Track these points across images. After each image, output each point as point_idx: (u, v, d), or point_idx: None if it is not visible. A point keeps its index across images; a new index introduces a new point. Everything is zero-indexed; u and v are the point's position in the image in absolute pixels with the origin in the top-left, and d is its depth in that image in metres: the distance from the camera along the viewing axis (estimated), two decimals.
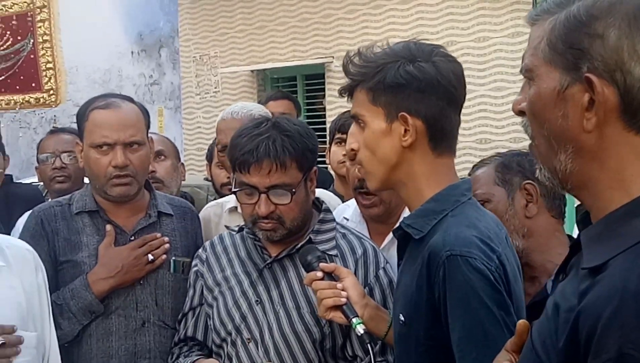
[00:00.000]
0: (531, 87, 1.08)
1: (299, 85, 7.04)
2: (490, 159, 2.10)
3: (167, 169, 2.93)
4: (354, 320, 1.68)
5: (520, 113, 1.14)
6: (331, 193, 2.84)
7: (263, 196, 1.89)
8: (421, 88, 1.52)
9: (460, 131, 1.66)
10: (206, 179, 3.67)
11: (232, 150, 1.95)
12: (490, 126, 5.44)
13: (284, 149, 1.88)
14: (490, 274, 1.44)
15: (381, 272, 1.95)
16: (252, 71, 7.23)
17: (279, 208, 1.90)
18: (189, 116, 7.84)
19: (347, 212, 2.44)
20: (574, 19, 1.02)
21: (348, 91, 1.62)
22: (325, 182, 3.27)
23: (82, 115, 2.21)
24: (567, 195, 1.87)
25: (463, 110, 1.62)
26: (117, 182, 2.17)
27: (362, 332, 1.66)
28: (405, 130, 1.53)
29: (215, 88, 7.56)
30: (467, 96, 1.66)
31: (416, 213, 1.57)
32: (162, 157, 2.93)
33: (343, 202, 2.68)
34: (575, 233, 2.02)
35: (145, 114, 2.29)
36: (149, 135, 2.32)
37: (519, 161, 2.04)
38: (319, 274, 1.75)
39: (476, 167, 2.11)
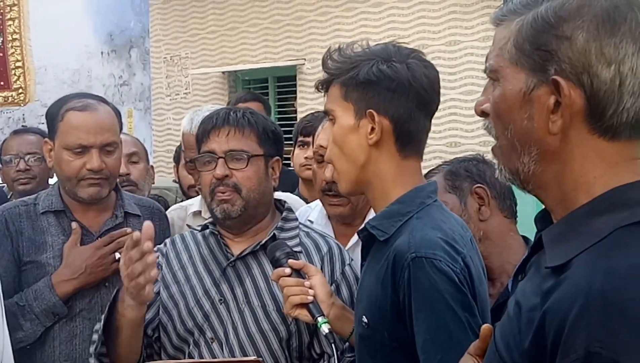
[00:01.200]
0: (495, 88, 1.08)
1: (271, 87, 7.02)
2: (437, 168, 2.13)
3: (141, 172, 2.91)
4: (319, 319, 1.68)
5: (482, 114, 1.14)
6: (296, 197, 2.85)
7: (220, 160, 1.93)
8: (392, 88, 1.53)
9: (431, 134, 1.66)
10: (175, 181, 3.64)
11: (198, 129, 2.02)
12: (461, 130, 5.48)
13: (244, 117, 1.96)
14: (454, 276, 1.44)
15: (347, 268, 1.95)
16: (223, 73, 7.20)
17: (235, 174, 1.93)
18: (159, 117, 7.78)
19: (311, 214, 2.43)
20: (541, 20, 1.01)
21: (324, 86, 1.63)
22: (294, 184, 3.26)
23: (54, 115, 2.17)
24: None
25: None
26: (90, 183, 2.14)
27: (327, 331, 1.66)
28: (372, 128, 1.54)
29: (186, 89, 7.52)
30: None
31: (381, 214, 1.57)
32: (136, 159, 2.92)
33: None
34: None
35: (119, 116, 2.28)
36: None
37: (466, 166, 2.07)
38: (287, 270, 1.74)
39: (432, 173, 2.12)
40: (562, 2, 1.01)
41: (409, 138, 1.57)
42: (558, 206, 1.06)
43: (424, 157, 1.66)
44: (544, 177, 1.05)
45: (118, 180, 2.74)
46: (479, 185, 2.01)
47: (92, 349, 1.95)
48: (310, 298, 1.70)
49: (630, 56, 0.97)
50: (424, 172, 2.16)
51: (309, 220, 2.41)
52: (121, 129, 2.28)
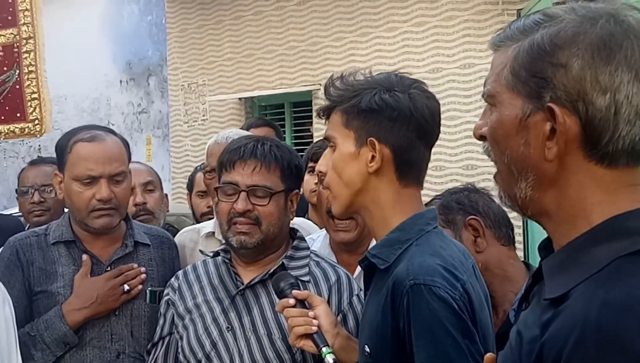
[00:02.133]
0: (493, 113, 1.08)
1: (287, 112, 7.06)
2: (430, 202, 2.10)
3: (156, 200, 2.94)
4: (323, 349, 1.67)
5: (481, 138, 1.14)
6: (310, 222, 2.84)
7: (243, 194, 1.92)
8: (393, 117, 1.54)
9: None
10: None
11: (222, 155, 2.00)
12: (477, 152, 5.46)
13: (271, 152, 1.93)
14: (454, 302, 1.43)
15: (355, 299, 1.95)
16: (240, 99, 7.25)
17: (257, 208, 1.92)
18: (177, 144, 7.84)
19: (314, 245, 2.42)
20: (537, 48, 1.01)
21: (325, 112, 1.64)
22: (304, 209, 3.27)
23: (63, 147, 2.21)
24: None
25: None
26: (100, 214, 2.16)
27: (331, 361, 1.66)
28: (373, 156, 1.55)
29: (204, 116, 7.58)
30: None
31: (381, 243, 1.58)
32: (152, 188, 2.94)
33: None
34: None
35: (127, 146, 2.30)
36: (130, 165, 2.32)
37: (457, 199, 2.05)
38: (291, 301, 1.75)
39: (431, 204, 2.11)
40: (557, 30, 1.01)
41: (409, 167, 1.57)
42: (557, 233, 1.05)
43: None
44: (542, 203, 1.05)
45: (135, 209, 2.78)
46: (472, 216, 1.99)
47: None
48: (315, 328, 1.70)
49: (626, 84, 0.97)
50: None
51: (312, 251, 2.41)
52: (129, 158, 2.30)
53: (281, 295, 1.79)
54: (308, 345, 1.71)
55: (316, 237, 2.46)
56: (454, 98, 5.60)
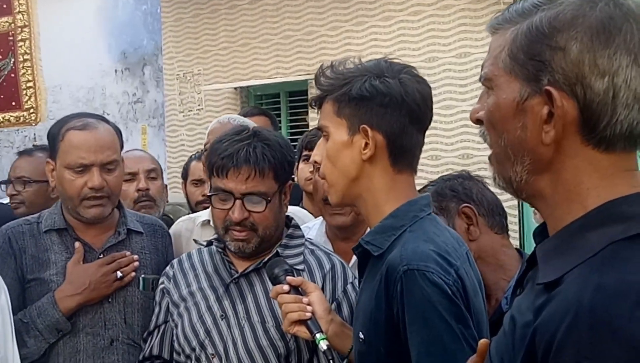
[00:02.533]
0: (490, 96, 1.07)
1: (282, 101, 7.04)
2: (424, 189, 2.09)
3: (158, 188, 2.95)
4: (317, 335, 1.67)
5: (477, 121, 1.14)
6: (305, 211, 2.84)
7: (238, 202, 1.88)
8: (384, 103, 1.54)
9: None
10: None
11: (210, 155, 1.95)
12: (472, 141, 5.46)
13: (263, 156, 1.88)
14: (447, 288, 1.43)
15: (349, 287, 1.94)
16: (235, 88, 7.23)
17: (253, 215, 1.90)
18: (173, 134, 7.82)
19: (310, 233, 2.42)
20: (535, 30, 1.00)
21: (317, 102, 1.63)
22: (299, 198, 3.26)
23: (55, 135, 2.20)
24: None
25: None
26: (92, 204, 2.16)
27: (325, 347, 1.66)
28: (366, 144, 1.55)
29: (199, 105, 7.56)
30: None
31: (375, 229, 1.57)
32: (155, 175, 2.95)
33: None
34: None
35: (120, 134, 2.29)
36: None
37: (451, 186, 2.04)
38: (285, 287, 1.75)
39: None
40: (556, 12, 1.00)
41: (403, 152, 1.57)
42: (551, 217, 1.05)
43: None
44: (537, 186, 1.04)
45: (137, 194, 2.79)
46: (465, 204, 1.98)
47: None
48: (309, 314, 1.70)
49: (625, 68, 0.96)
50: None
51: (308, 238, 2.41)
52: (122, 147, 2.29)
53: (275, 281, 1.79)
54: (302, 331, 1.71)
55: (312, 225, 2.46)
56: (450, 87, 5.59)
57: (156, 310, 2.09)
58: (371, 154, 1.54)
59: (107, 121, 2.28)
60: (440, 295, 1.42)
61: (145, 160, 2.97)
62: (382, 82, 1.54)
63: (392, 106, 1.54)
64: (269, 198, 1.89)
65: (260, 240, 1.93)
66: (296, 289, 1.76)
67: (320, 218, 2.44)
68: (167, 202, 3.17)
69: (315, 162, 1.66)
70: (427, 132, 1.64)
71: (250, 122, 2.83)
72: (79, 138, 2.16)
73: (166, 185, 3.15)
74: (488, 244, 1.98)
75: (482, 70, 1.10)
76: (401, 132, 1.55)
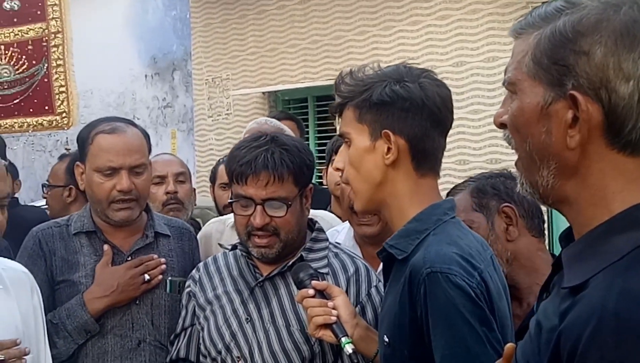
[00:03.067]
0: (514, 100, 1.07)
1: (310, 106, 7.05)
2: (463, 184, 2.08)
3: (187, 192, 2.98)
4: (343, 339, 1.68)
5: (501, 125, 1.14)
6: (332, 215, 2.85)
7: (259, 207, 1.90)
8: (405, 107, 1.54)
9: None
10: None
11: (230, 162, 1.97)
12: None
13: (282, 161, 1.89)
14: (471, 290, 1.44)
15: (373, 290, 1.95)
16: (263, 93, 7.26)
17: (275, 220, 1.91)
18: (201, 138, 7.88)
19: (338, 237, 2.43)
20: (559, 35, 1.00)
21: (338, 109, 1.64)
22: (327, 202, 3.27)
23: (85, 138, 2.24)
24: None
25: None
26: (121, 207, 2.19)
27: (350, 351, 1.66)
28: (388, 149, 1.56)
29: (227, 110, 7.60)
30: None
31: (399, 233, 1.58)
32: (183, 179, 2.98)
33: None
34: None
35: (147, 138, 2.32)
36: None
37: (493, 184, 2.01)
38: (311, 292, 1.76)
39: (450, 194, 2.08)
40: (580, 17, 1.00)
41: (425, 156, 1.58)
42: (577, 221, 1.05)
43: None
44: (563, 191, 1.04)
45: (166, 197, 2.83)
46: (506, 204, 1.95)
47: None
48: (334, 318, 1.71)
49: None
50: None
51: (336, 243, 2.42)
52: (150, 150, 2.32)
53: (300, 285, 1.80)
54: (327, 335, 1.72)
55: (340, 229, 2.46)
56: (478, 92, 5.56)
57: (183, 313, 2.11)
58: (394, 159, 1.55)
59: (135, 125, 2.31)
60: (464, 298, 1.42)
61: (174, 163, 3.01)
62: (402, 87, 1.55)
63: (413, 110, 1.54)
64: (290, 203, 1.91)
65: (283, 245, 1.94)
66: (321, 293, 1.77)
67: (348, 222, 2.45)
68: (196, 205, 3.20)
69: (338, 169, 1.67)
70: (455, 137, 1.65)
71: (284, 126, 2.88)
72: (107, 141, 2.19)
73: (194, 189, 3.18)
74: (525, 246, 1.96)
75: (505, 74, 1.10)
76: (423, 136, 1.56)
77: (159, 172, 2.75)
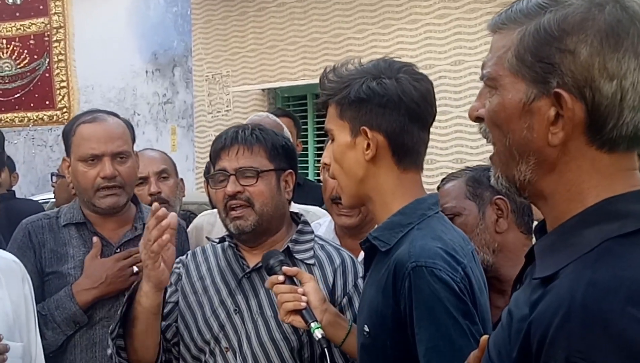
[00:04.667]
0: (493, 96, 1.07)
1: (309, 103, 7.07)
2: (460, 172, 2.10)
3: (171, 188, 2.91)
4: (312, 324, 1.71)
5: (477, 119, 1.15)
6: (324, 211, 2.86)
7: (232, 177, 1.97)
8: (382, 103, 1.56)
9: (437, 151, 1.70)
10: None
11: (211, 148, 2.05)
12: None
13: (252, 135, 1.99)
14: (455, 285, 1.46)
15: (359, 281, 1.97)
16: (263, 90, 7.29)
17: (247, 189, 1.96)
18: (201, 134, 7.91)
19: (320, 229, 2.46)
20: (544, 32, 1.00)
21: (323, 106, 1.67)
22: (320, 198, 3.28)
23: (68, 131, 2.26)
24: None
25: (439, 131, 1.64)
26: (106, 194, 2.20)
27: (320, 336, 1.70)
28: (368, 144, 1.57)
29: (227, 106, 7.63)
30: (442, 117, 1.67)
31: (383, 226, 1.60)
32: (166, 175, 2.91)
33: None
34: None
35: (131, 128, 2.34)
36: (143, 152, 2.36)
37: (489, 175, 2.03)
38: (281, 278, 1.78)
39: (446, 180, 2.12)
40: (565, 14, 1.00)
41: (405, 151, 1.59)
42: (551, 215, 1.06)
43: (431, 173, 1.68)
44: (540, 185, 1.05)
45: (150, 199, 2.80)
46: (500, 196, 1.98)
47: (110, 331, 1.97)
48: (304, 304, 1.73)
49: (632, 71, 0.97)
50: (432, 188, 2.15)
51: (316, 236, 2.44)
52: (133, 140, 2.33)
53: (270, 271, 1.84)
54: (297, 321, 1.74)
55: (322, 222, 2.49)
56: (476, 90, 5.54)
57: (170, 289, 2.09)
58: (373, 155, 1.57)
59: (117, 116, 2.33)
60: (448, 292, 1.44)
61: (154, 161, 2.88)
62: (378, 83, 1.57)
63: (390, 106, 1.56)
64: (260, 171, 1.96)
65: (257, 218, 1.96)
66: (291, 279, 1.79)
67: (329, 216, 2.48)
68: (184, 196, 3.15)
69: (325, 164, 1.70)
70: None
71: (283, 124, 2.90)
72: (88, 130, 2.22)
73: (181, 179, 3.09)
74: (512, 241, 1.99)
75: (483, 69, 1.11)
76: (402, 131, 1.57)
77: (140, 172, 2.65)
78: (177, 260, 2.15)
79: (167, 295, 2.09)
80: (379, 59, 1.66)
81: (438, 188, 2.12)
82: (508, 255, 1.97)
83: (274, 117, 3.04)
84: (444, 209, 1.98)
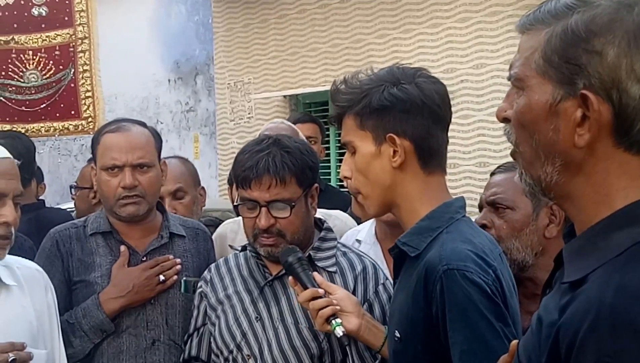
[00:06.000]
0: (520, 96, 1.07)
1: (331, 109, 7.04)
2: (507, 165, 2.05)
3: (187, 206, 2.84)
4: (333, 322, 1.71)
5: (504, 120, 1.14)
6: (347, 215, 2.86)
7: (263, 209, 1.93)
8: (406, 109, 1.56)
9: (460, 155, 1.69)
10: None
11: (234, 167, 2.02)
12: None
13: (283, 164, 1.93)
14: (487, 287, 1.46)
15: (380, 287, 1.97)
16: (284, 96, 7.30)
17: (279, 221, 1.94)
18: (224, 142, 7.94)
19: (359, 234, 2.45)
20: (572, 33, 1.00)
21: (337, 119, 1.66)
22: (346, 204, 3.28)
23: (95, 140, 2.28)
24: None
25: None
26: (126, 202, 2.21)
27: (341, 333, 1.70)
28: (394, 151, 1.57)
29: (249, 114, 7.66)
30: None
31: (411, 231, 1.59)
32: (181, 195, 2.84)
33: (359, 224, 2.69)
34: None
35: (157, 137, 2.34)
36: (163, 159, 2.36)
37: None
38: (321, 291, 1.80)
39: (504, 168, 2.07)
40: (592, 16, 0.99)
41: (431, 154, 1.59)
42: (579, 218, 1.05)
43: (454, 177, 1.68)
44: (566, 187, 1.05)
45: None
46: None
47: None
48: (338, 307, 1.75)
49: None
50: (455, 192, 2.13)
51: (357, 240, 2.43)
52: (160, 150, 2.33)
53: (289, 268, 1.85)
54: (328, 327, 1.76)
55: (361, 228, 2.48)
56: (498, 94, 5.54)
57: (194, 313, 2.14)
58: (401, 161, 1.57)
59: (144, 125, 2.34)
60: (481, 294, 1.44)
61: (168, 181, 2.69)
62: (400, 89, 1.57)
63: (414, 111, 1.56)
64: (293, 204, 1.94)
65: (288, 244, 1.96)
66: (317, 285, 1.82)
67: (372, 219, 2.45)
68: (204, 205, 3.12)
69: (345, 177, 1.69)
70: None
71: (297, 129, 2.91)
72: (111, 140, 2.24)
73: (202, 188, 3.04)
74: (557, 248, 1.96)
75: (510, 69, 1.10)
76: (427, 134, 1.58)
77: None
78: (201, 277, 2.17)
79: (193, 320, 2.13)
80: (389, 66, 1.65)
81: (491, 174, 2.08)
82: (548, 260, 1.95)
83: (288, 123, 3.06)
84: (497, 199, 1.97)
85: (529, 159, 1.08)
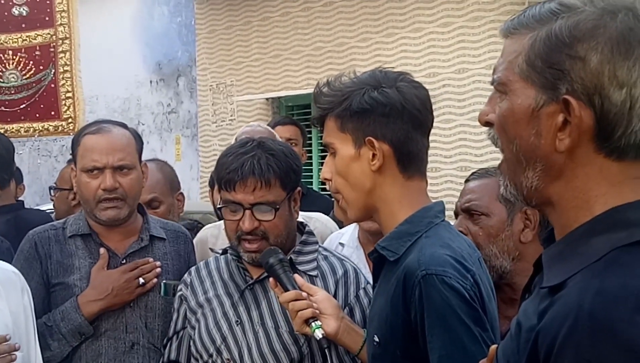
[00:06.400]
0: (503, 100, 1.07)
1: (313, 112, 7.06)
2: (493, 170, 2.05)
3: (162, 216, 2.74)
4: (313, 324, 1.72)
5: (486, 124, 1.14)
6: (329, 218, 2.86)
7: (247, 212, 1.92)
8: (385, 113, 1.57)
9: (441, 159, 1.69)
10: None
11: (218, 169, 1.99)
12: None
13: (268, 167, 1.92)
14: (465, 292, 1.46)
15: (361, 292, 1.97)
16: (267, 99, 7.30)
17: (263, 224, 1.93)
18: (206, 144, 7.92)
19: (343, 237, 2.46)
20: (555, 39, 1.00)
21: (319, 121, 1.66)
22: (328, 208, 3.29)
23: (75, 141, 2.26)
24: None
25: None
26: (107, 206, 2.19)
27: (320, 336, 1.70)
28: (373, 155, 1.58)
29: (231, 116, 7.64)
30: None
31: (390, 235, 1.59)
32: (156, 204, 2.82)
33: (341, 228, 2.69)
34: None
35: (138, 139, 2.32)
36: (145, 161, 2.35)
37: None
38: (304, 294, 1.79)
39: (477, 174, 2.08)
40: (576, 21, 1.00)
41: (410, 159, 1.59)
42: (559, 223, 1.06)
43: (435, 181, 1.68)
44: (547, 193, 1.05)
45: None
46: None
47: None
48: (317, 311, 1.75)
49: None
50: (437, 196, 2.13)
51: (340, 243, 2.44)
52: (141, 152, 2.32)
53: (270, 270, 1.85)
54: (307, 330, 1.75)
55: (344, 231, 2.48)
56: (480, 98, 5.58)
57: (174, 316, 2.13)
58: (380, 164, 1.57)
59: (125, 126, 2.31)
60: (459, 299, 1.45)
61: (144, 191, 2.56)
62: (380, 93, 1.57)
63: (394, 115, 1.56)
64: (278, 207, 1.93)
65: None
66: (298, 287, 1.81)
67: (354, 224, 2.46)
68: (182, 212, 3.09)
69: (326, 178, 1.69)
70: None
71: (273, 132, 2.90)
72: (92, 141, 2.21)
73: (181, 193, 3.04)
74: (533, 253, 1.97)
75: (494, 73, 1.10)
76: (406, 139, 1.58)
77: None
78: (181, 280, 2.16)
79: (173, 323, 2.12)
80: (373, 70, 1.66)
81: (466, 181, 2.09)
82: (526, 265, 1.96)
83: (265, 126, 3.05)
84: (471, 206, 1.97)
85: (510, 166, 1.08)
